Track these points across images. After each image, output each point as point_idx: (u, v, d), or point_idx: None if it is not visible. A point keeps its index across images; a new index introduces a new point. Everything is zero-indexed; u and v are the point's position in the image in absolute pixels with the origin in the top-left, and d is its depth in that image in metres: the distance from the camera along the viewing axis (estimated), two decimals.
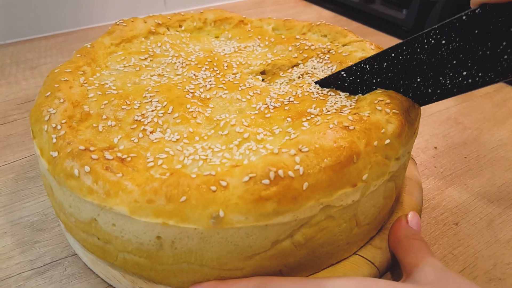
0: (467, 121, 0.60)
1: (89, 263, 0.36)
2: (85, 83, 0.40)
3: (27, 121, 0.58)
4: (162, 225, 0.28)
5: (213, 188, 0.28)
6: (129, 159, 0.31)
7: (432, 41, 0.32)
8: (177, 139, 0.34)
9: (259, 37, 0.52)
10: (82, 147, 0.31)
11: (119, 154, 0.32)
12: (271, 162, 0.29)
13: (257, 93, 0.40)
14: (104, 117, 0.36)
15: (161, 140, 0.34)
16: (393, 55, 0.35)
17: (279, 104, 0.38)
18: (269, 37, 0.52)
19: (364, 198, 0.32)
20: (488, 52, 0.30)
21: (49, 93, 0.36)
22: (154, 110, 0.37)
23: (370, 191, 0.32)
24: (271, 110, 0.37)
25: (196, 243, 0.29)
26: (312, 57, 0.47)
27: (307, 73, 0.44)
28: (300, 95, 0.39)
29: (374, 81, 0.37)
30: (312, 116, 0.36)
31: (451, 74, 0.33)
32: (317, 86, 0.41)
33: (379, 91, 0.37)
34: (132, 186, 0.29)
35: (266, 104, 0.38)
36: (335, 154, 0.29)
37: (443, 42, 0.32)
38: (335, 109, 0.36)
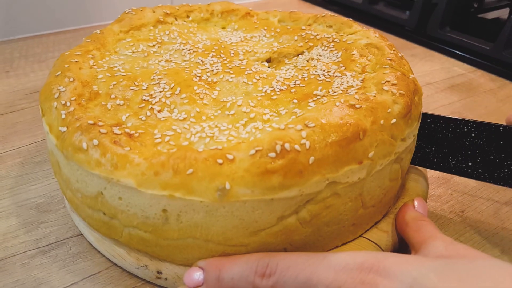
0: (471, 115, 0.60)
1: (94, 242, 0.36)
2: (94, 65, 0.40)
3: (35, 110, 0.58)
4: (168, 198, 0.29)
5: (220, 161, 0.28)
6: (137, 134, 0.32)
7: (465, 129, 0.38)
8: (184, 118, 0.34)
9: (265, 28, 0.53)
10: (91, 122, 0.31)
11: (127, 130, 0.32)
12: (277, 136, 0.29)
13: (263, 77, 0.40)
14: (112, 96, 0.36)
15: (168, 119, 0.34)
16: (428, 120, 0.40)
17: (285, 87, 0.38)
18: (275, 28, 0.52)
19: (370, 178, 0.32)
20: (497, 160, 0.37)
21: (59, 72, 0.37)
22: (162, 91, 0.37)
23: (376, 170, 0.32)
24: (277, 93, 0.38)
25: (202, 216, 0.29)
26: (317, 45, 0.47)
27: (312, 59, 0.44)
28: (306, 78, 0.39)
29: None
30: (318, 97, 0.36)
31: (460, 158, 0.39)
32: (323, 68, 0.41)
33: (386, 70, 0.37)
34: (140, 159, 0.29)
35: (272, 87, 0.39)
36: (341, 129, 0.30)
37: (472, 135, 0.38)
38: (342, 90, 0.36)
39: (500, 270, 0.23)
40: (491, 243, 0.39)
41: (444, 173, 0.47)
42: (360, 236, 0.36)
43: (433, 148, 0.40)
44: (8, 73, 0.69)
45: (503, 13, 0.93)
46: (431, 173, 0.47)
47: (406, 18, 0.87)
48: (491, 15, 0.93)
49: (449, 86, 0.68)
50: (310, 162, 0.28)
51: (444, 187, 0.45)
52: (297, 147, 0.28)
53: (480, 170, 0.38)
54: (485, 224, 0.41)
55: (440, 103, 0.63)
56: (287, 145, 0.28)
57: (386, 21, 0.91)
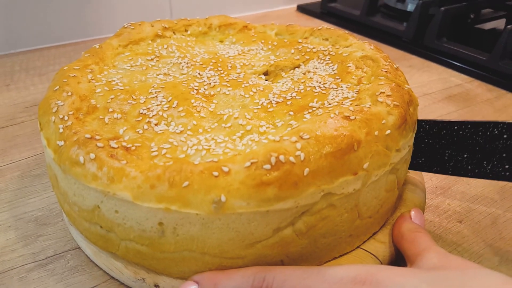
0: None
1: (91, 255, 0.36)
2: (92, 80, 0.41)
3: (35, 123, 0.59)
4: (164, 211, 0.29)
5: (215, 173, 0.28)
6: (133, 148, 0.32)
7: (496, 131, 0.36)
8: (181, 131, 0.35)
9: (263, 41, 0.53)
10: (88, 135, 0.32)
11: (124, 144, 0.32)
12: (272, 148, 0.29)
13: (260, 90, 0.41)
14: (110, 110, 0.36)
15: (165, 132, 0.34)
16: (455, 127, 0.38)
17: (282, 100, 0.39)
18: (272, 41, 0.53)
19: (366, 188, 0.32)
20: None
21: (57, 87, 0.37)
22: (159, 105, 0.38)
23: (372, 181, 0.32)
24: (274, 105, 0.38)
25: (198, 229, 0.29)
26: (314, 58, 0.47)
27: (309, 72, 0.44)
28: (302, 91, 0.40)
29: (425, 140, 0.40)
30: (314, 109, 0.36)
31: (495, 162, 0.37)
32: (319, 80, 0.41)
33: (381, 82, 0.37)
34: (136, 173, 0.29)
35: (269, 99, 0.39)
36: (336, 141, 0.30)
37: (505, 136, 0.36)
38: (337, 102, 0.36)
39: (491, 280, 0.23)
40: (489, 253, 0.38)
41: (442, 183, 0.48)
42: (358, 247, 0.35)
43: (465, 155, 0.38)
44: (9, 86, 0.69)
45: (499, 23, 0.94)
46: (428, 183, 0.48)
47: (403, 30, 0.87)
48: (487, 25, 0.93)
49: (446, 96, 0.68)
50: (305, 174, 0.28)
51: (441, 197, 0.45)
52: (291, 159, 0.28)
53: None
54: (483, 234, 0.41)
55: (437, 114, 0.63)
56: (281, 157, 0.28)
57: (384, 32, 0.91)
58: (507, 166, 0.36)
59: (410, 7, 0.92)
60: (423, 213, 0.42)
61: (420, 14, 0.84)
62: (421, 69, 0.78)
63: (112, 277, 0.35)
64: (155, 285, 0.33)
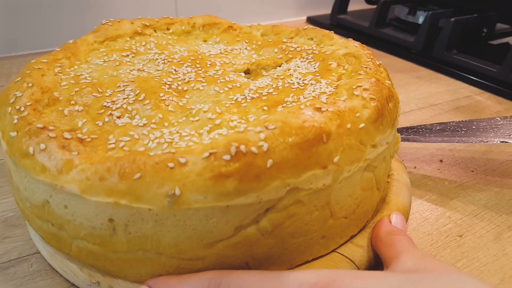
0: None
1: (47, 257, 0.34)
2: (59, 73, 0.39)
3: None
4: (114, 206, 0.26)
5: (171, 165, 0.26)
6: (89, 139, 0.30)
7: None
8: (144, 124, 0.33)
9: (247, 41, 0.52)
10: (40, 125, 0.30)
11: (80, 135, 0.30)
12: (234, 138, 0.27)
13: (236, 86, 0.39)
14: (72, 102, 0.35)
15: (127, 125, 0.32)
16: None
17: (257, 95, 0.37)
18: (256, 41, 0.52)
19: (338, 185, 0.30)
20: None
21: (19, 78, 0.36)
22: (126, 98, 0.36)
23: (344, 177, 0.29)
24: (248, 100, 0.36)
25: (151, 226, 0.27)
26: (296, 57, 0.46)
27: (289, 69, 0.43)
28: (280, 87, 0.38)
29: None
30: (288, 103, 0.34)
31: None
32: (299, 77, 0.39)
33: (360, 76, 0.35)
34: (85, 165, 0.27)
35: (244, 95, 0.37)
36: (302, 131, 0.27)
37: None
38: (313, 96, 0.34)
39: (465, 285, 0.21)
40: (491, 270, 0.35)
41: (443, 195, 0.44)
42: (333, 251, 0.33)
43: None
44: (2, 88, 0.68)
45: None
46: (428, 196, 0.44)
47: (413, 41, 0.85)
48: (501, 41, 0.91)
49: (454, 107, 0.65)
50: (268, 166, 0.26)
51: (442, 210, 0.42)
52: (254, 149, 0.26)
53: None
54: (485, 249, 0.37)
55: None
56: (242, 147, 0.26)
57: (393, 44, 0.89)
58: None
59: (421, 19, 0.90)
60: (407, 218, 0.39)
61: (429, 26, 0.81)
62: (429, 80, 0.75)
63: (73, 284, 0.33)
64: None
